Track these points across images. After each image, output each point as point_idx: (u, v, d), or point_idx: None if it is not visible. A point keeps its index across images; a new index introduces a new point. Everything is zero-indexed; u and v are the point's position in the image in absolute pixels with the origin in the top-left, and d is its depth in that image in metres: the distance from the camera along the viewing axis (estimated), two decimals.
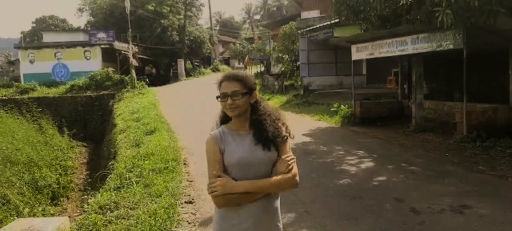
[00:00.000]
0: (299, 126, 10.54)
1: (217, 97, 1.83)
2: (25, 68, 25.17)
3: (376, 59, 11.30)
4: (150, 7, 30.22)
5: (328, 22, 15.76)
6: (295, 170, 1.81)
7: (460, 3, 6.07)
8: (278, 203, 1.86)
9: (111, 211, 4.54)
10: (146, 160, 6.73)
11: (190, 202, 5.02)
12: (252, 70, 31.65)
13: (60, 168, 10.06)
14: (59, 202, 8.25)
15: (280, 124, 1.87)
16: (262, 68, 33.04)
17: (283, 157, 1.80)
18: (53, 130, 13.23)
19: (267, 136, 1.80)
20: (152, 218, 4.22)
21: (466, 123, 7.90)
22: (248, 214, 1.77)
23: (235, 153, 1.78)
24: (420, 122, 9.63)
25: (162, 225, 4.12)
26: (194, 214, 4.65)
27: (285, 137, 1.85)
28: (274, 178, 1.76)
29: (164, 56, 32.40)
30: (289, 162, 1.79)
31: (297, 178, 1.81)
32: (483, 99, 9.07)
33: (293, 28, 20.79)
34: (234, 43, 48.08)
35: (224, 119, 1.91)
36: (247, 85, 1.82)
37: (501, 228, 3.92)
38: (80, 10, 35.54)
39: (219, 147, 1.81)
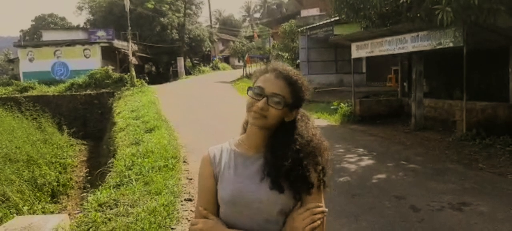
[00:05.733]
0: None
1: (249, 88, 1.27)
2: (24, 66, 25.12)
3: (376, 57, 11.29)
4: (149, 5, 30.18)
5: (328, 20, 15.76)
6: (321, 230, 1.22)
7: (460, 1, 6.07)
8: None
9: (111, 209, 4.54)
10: (146, 158, 6.72)
11: (190, 200, 5.03)
12: (252, 69, 31.64)
13: (60, 166, 10.05)
14: (58, 200, 8.24)
15: (311, 166, 1.24)
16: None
17: (308, 206, 1.22)
18: (53, 128, 13.22)
19: (279, 169, 1.22)
20: (152, 215, 4.21)
21: (465, 121, 7.91)
22: None
23: (229, 185, 1.27)
24: (420, 120, 9.63)
25: (161, 223, 4.12)
26: (194, 211, 4.64)
27: (311, 186, 1.23)
28: None
29: (164, 55, 32.36)
30: (316, 217, 1.21)
31: None
32: (483, 97, 9.06)
33: (293, 26, 20.84)
34: (234, 42, 48.02)
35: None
36: (297, 96, 1.26)
37: (501, 225, 3.93)
38: (80, 8, 35.58)
39: (213, 171, 1.31)
